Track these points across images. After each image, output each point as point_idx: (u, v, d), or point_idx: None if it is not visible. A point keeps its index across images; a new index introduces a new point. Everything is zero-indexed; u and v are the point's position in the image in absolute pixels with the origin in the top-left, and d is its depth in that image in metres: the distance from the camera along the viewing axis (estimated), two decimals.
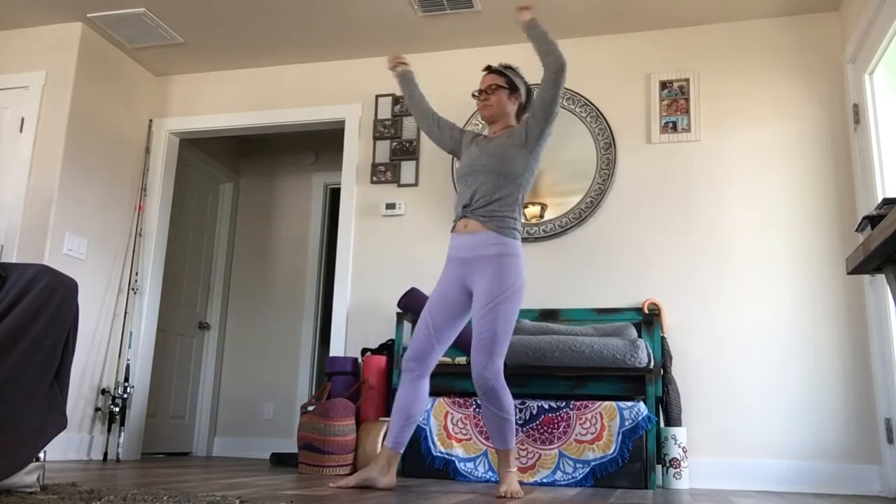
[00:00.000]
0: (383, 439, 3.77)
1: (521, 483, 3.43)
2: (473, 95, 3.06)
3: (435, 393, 3.84)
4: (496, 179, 2.84)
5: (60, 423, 2.11)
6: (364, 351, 4.22)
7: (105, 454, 4.40)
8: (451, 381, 3.82)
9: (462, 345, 3.84)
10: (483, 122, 3.07)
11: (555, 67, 2.83)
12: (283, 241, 5.89)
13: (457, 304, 2.88)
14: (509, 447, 2.78)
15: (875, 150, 3.56)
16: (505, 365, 3.71)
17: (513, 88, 3.01)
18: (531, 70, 4.50)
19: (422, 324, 2.89)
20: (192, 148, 5.56)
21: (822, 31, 4.10)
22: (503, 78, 3.01)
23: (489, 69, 3.05)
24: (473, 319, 2.77)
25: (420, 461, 3.63)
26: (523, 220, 4.26)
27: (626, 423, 3.42)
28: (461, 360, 3.77)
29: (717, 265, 3.98)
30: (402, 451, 2.87)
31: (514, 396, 3.70)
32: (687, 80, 4.22)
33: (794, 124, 4.05)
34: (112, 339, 4.60)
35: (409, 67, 3.24)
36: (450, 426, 3.62)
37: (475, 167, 2.89)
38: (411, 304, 4.00)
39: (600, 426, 3.45)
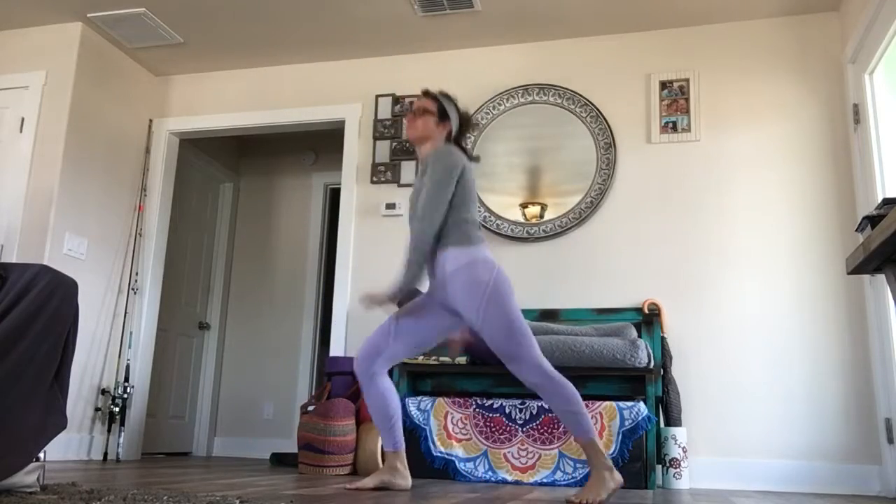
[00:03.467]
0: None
1: (519, 483, 3.43)
2: (404, 111, 3.02)
3: (435, 393, 3.85)
4: None
5: (60, 423, 2.11)
6: None
7: (105, 454, 4.40)
8: (451, 381, 3.82)
9: (471, 350, 3.84)
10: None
11: (420, 245, 2.71)
12: (283, 241, 5.89)
13: (429, 312, 2.81)
14: (589, 437, 2.56)
15: (875, 150, 3.56)
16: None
17: (442, 116, 2.98)
18: (531, 71, 4.52)
19: (383, 325, 2.86)
20: (192, 148, 5.56)
21: (822, 31, 4.10)
22: (436, 104, 2.99)
23: (426, 93, 3.03)
24: (481, 334, 2.69)
25: (420, 461, 3.62)
26: (523, 220, 4.26)
27: (626, 423, 3.42)
28: (461, 360, 3.77)
29: (718, 265, 3.98)
30: (403, 448, 2.88)
31: (514, 396, 3.70)
32: (687, 80, 4.22)
33: (794, 124, 4.05)
34: (112, 339, 4.60)
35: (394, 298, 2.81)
36: (450, 426, 3.62)
37: (416, 209, 2.85)
38: None
39: (600, 426, 3.45)
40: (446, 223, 2.77)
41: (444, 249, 2.74)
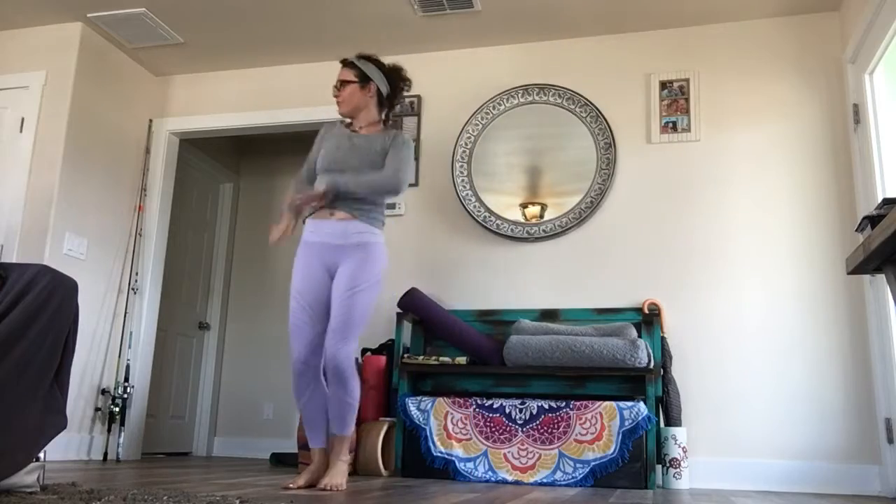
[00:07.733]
0: (382, 439, 3.77)
1: (519, 483, 3.44)
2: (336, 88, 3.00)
3: (435, 393, 3.84)
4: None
5: (60, 423, 2.11)
6: (364, 351, 4.22)
7: (105, 454, 4.40)
8: (452, 381, 3.82)
9: (471, 350, 3.84)
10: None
11: (388, 190, 2.87)
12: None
13: (325, 287, 2.89)
14: (347, 434, 2.80)
15: (875, 150, 3.56)
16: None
17: (363, 80, 2.97)
18: (531, 71, 4.52)
19: (302, 316, 2.86)
20: (192, 148, 5.56)
21: (822, 31, 4.10)
22: (353, 71, 2.98)
23: (343, 62, 3.01)
24: (333, 301, 2.81)
25: (420, 461, 3.62)
26: (523, 220, 4.26)
27: (626, 423, 3.42)
28: (461, 360, 3.77)
29: (718, 265, 3.98)
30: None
31: (515, 396, 3.70)
32: (687, 80, 4.22)
33: (794, 124, 4.05)
34: (112, 339, 4.60)
35: (297, 200, 2.94)
36: (450, 426, 3.62)
37: (345, 166, 2.89)
38: (411, 304, 4.00)
39: (600, 426, 3.45)
40: (378, 201, 2.92)
41: (363, 219, 2.87)
